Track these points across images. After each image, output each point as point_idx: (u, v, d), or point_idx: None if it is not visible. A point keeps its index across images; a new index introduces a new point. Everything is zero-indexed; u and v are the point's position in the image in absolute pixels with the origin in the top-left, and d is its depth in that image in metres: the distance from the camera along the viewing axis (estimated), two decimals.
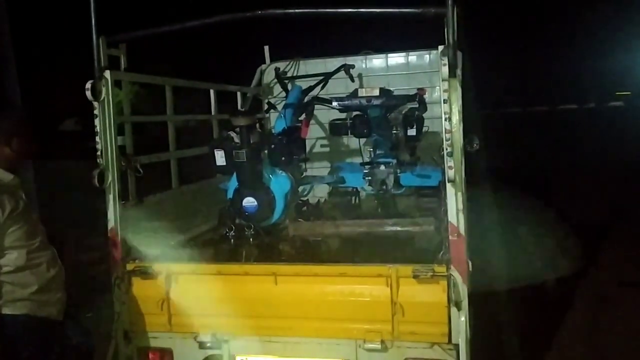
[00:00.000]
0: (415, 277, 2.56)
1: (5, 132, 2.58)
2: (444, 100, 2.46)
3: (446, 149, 2.47)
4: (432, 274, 2.55)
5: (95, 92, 2.79)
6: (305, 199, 3.83)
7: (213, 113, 4.17)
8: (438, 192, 3.84)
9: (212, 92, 4.15)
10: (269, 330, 2.79)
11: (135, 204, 3.15)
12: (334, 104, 3.46)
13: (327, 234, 3.14)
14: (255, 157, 3.13)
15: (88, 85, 2.76)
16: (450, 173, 2.46)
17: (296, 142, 3.36)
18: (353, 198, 4.08)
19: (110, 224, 2.92)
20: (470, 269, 2.56)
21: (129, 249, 2.94)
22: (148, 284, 2.90)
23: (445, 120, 2.45)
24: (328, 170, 4.45)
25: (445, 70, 2.46)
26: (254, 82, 4.89)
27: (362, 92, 3.42)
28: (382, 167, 3.86)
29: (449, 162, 2.46)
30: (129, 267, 2.90)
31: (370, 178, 3.87)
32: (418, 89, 3.60)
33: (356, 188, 4.10)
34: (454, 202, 2.53)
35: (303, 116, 3.49)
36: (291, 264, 2.82)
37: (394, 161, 3.86)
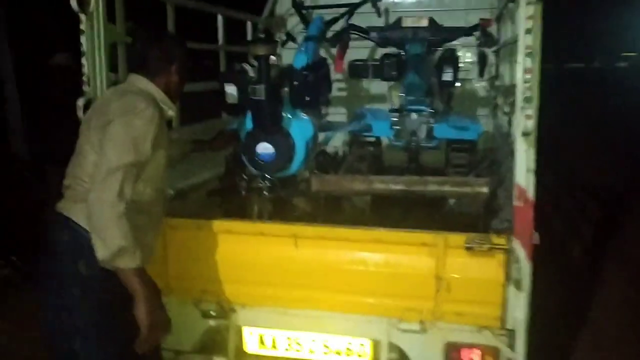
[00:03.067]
0: (468, 249, 2.12)
1: (178, 58, 2.20)
2: (526, 30, 1.94)
3: (524, 94, 1.97)
4: (489, 245, 2.11)
5: (82, 2, 2.25)
6: (322, 148, 3.37)
7: (220, 43, 3.62)
8: (474, 147, 3.40)
9: (219, 18, 3.58)
10: (285, 301, 2.38)
11: None
12: (372, 34, 2.92)
13: (357, 191, 2.66)
14: (275, 95, 2.61)
15: None
16: (527, 124, 1.97)
17: (323, 81, 2.84)
18: (376, 150, 3.60)
19: None
20: (537, 241, 2.12)
21: None
22: None
23: (527, 56, 1.95)
24: (347, 117, 3.96)
25: None
26: (266, 11, 4.31)
27: (406, 22, 2.87)
28: (414, 116, 3.36)
29: (527, 110, 1.97)
30: None
31: (399, 127, 3.38)
32: (481, 19, 3.04)
33: (379, 138, 3.61)
34: (524, 159, 2.06)
35: (337, 48, 2.94)
36: (316, 225, 2.36)
37: (428, 109, 3.36)
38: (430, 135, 3.35)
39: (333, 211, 2.58)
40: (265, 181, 2.74)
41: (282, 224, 2.40)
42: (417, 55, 3.11)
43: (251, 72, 2.66)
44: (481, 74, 3.28)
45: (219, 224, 2.44)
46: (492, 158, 3.06)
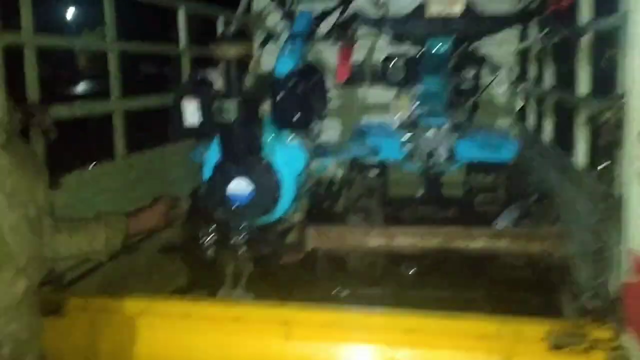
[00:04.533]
0: (555, 347, 1.39)
1: None
2: None
3: None
4: (588, 344, 1.37)
5: None
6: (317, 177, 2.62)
7: (182, 46, 2.87)
8: (505, 170, 2.71)
9: (180, 14, 2.83)
10: None
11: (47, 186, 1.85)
12: (385, 27, 2.18)
13: (372, 249, 1.90)
14: (250, 114, 1.87)
15: None
16: None
17: (316, 92, 2.10)
18: (382, 176, 2.88)
19: None
20: None
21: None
22: (62, 328, 1.67)
23: None
24: (340, 134, 3.24)
25: None
26: (241, 7, 3.56)
27: (432, 9, 2.13)
28: (431, 132, 2.67)
29: None
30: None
31: (412, 147, 2.69)
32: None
33: (385, 161, 2.89)
34: None
35: (339, 46, 2.19)
36: (315, 307, 1.60)
37: (447, 123, 2.67)
38: (452, 156, 2.67)
39: (343, 281, 1.81)
40: (241, 233, 1.97)
41: (266, 304, 1.63)
42: (441, 55, 2.38)
43: (219, 84, 1.92)
44: (476, 85, 2.60)
45: (173, 305, 1.67)
46: (539, 188, 2.33)
